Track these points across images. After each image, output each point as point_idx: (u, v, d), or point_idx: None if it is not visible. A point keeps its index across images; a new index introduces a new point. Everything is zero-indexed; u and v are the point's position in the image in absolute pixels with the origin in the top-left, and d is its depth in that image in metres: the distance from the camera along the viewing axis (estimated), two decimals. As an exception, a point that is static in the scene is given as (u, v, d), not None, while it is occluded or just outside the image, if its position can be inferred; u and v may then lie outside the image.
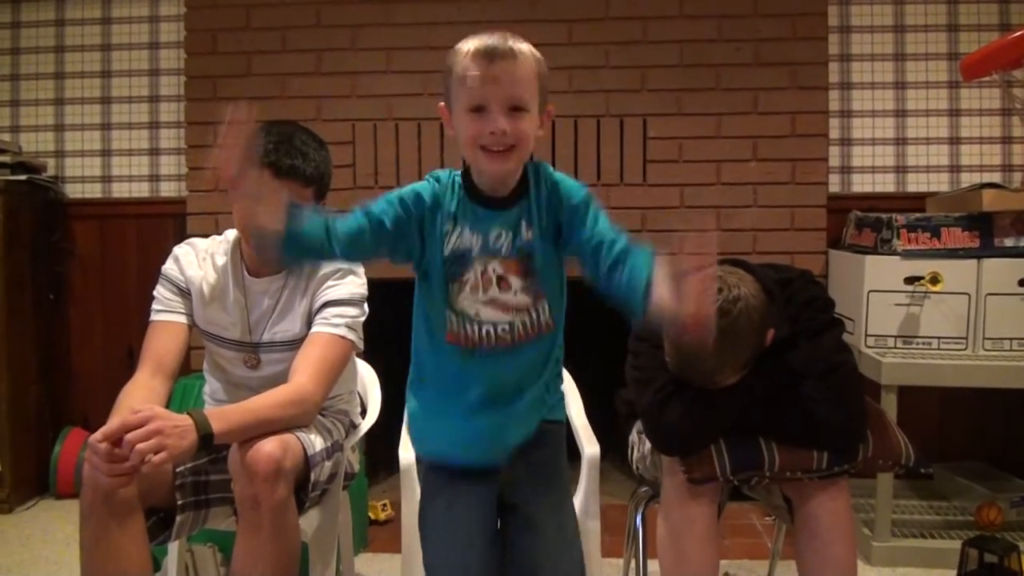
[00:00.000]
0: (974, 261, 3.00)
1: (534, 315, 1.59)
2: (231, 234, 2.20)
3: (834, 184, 3.64)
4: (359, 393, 2.47)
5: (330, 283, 2.11)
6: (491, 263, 1.57)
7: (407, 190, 1.58)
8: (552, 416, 1.75)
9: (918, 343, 3.03)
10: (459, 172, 1.62)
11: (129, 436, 1.70)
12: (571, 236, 1.57)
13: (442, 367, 1.65)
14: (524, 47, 1.51)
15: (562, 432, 1.79)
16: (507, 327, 1.58)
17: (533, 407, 1.69)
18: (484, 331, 1.58)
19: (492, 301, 1.57)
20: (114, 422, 1.75)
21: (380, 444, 3.19)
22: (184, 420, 1.77)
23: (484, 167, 1.54)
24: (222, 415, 1.86)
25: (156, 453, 1.69)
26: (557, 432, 1.76)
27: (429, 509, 1.72)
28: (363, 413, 2.47)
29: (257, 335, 2.14)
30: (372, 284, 2.19)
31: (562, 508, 1.72)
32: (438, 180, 1.60)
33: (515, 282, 1.56)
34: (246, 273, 2.16)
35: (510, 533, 1.69)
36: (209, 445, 1.80)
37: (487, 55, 1.47)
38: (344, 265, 2.03)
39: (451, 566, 1.62)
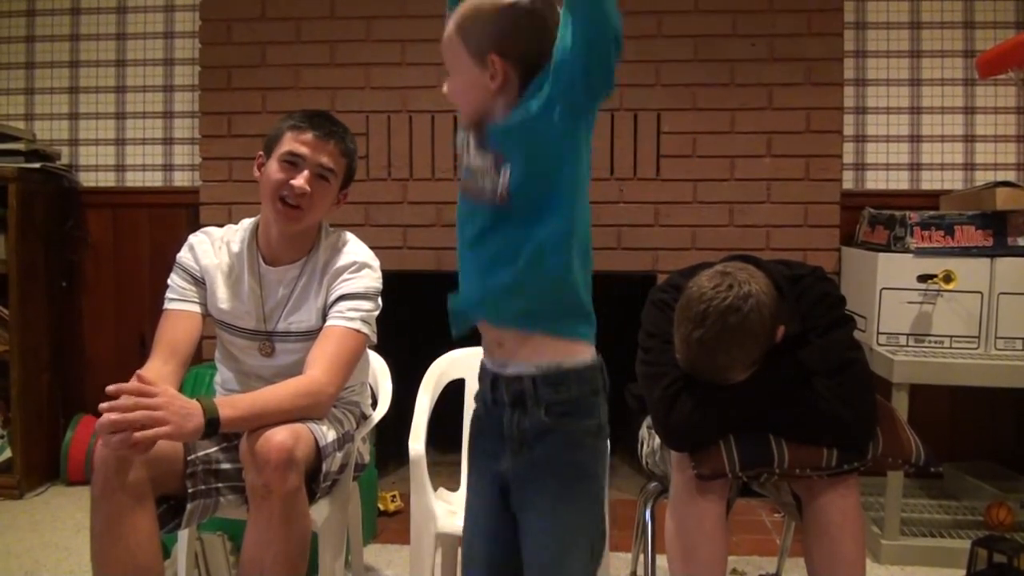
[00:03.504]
0: (987, 260, 2.98)
1: (495, 180, 1.49)
2: (247, 222, 2.21)
3: (848, 181, 3.63)
4: (370, 385, 2.48)
5: (345, 276, 2.12)
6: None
7: None
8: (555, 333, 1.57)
9: (930, 342, 3.02)
10: None
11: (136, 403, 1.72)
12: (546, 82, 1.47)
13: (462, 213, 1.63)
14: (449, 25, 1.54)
15: (579, 434, 1.58)
16: (478, 183, 1.54)
17: (508, 295, 1.54)
18: (477, 180, 1.56)
19: (468, 166, 1.57)
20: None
21: (390, 436, 3.20)
22: (191, 402, 1.78)
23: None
24: (231, 402, 1.88)
25: (159, 426, 1.70)
26: (572, 432, 1.57)
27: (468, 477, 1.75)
28: (374, 405, 2.48)
29: (272, 324, 2.15)
30: (386, 277, 2.20)
31: (552, 511, 1.56)
32: None
33: (472, 144, 1.55)
34: (261, 262, 2.16)
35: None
36: (215, 430, 1.80)
37: None
38: None
39: (466, 529, 1.72)
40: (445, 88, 1.58)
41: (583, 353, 1.57)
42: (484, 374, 1.66)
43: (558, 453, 1.57)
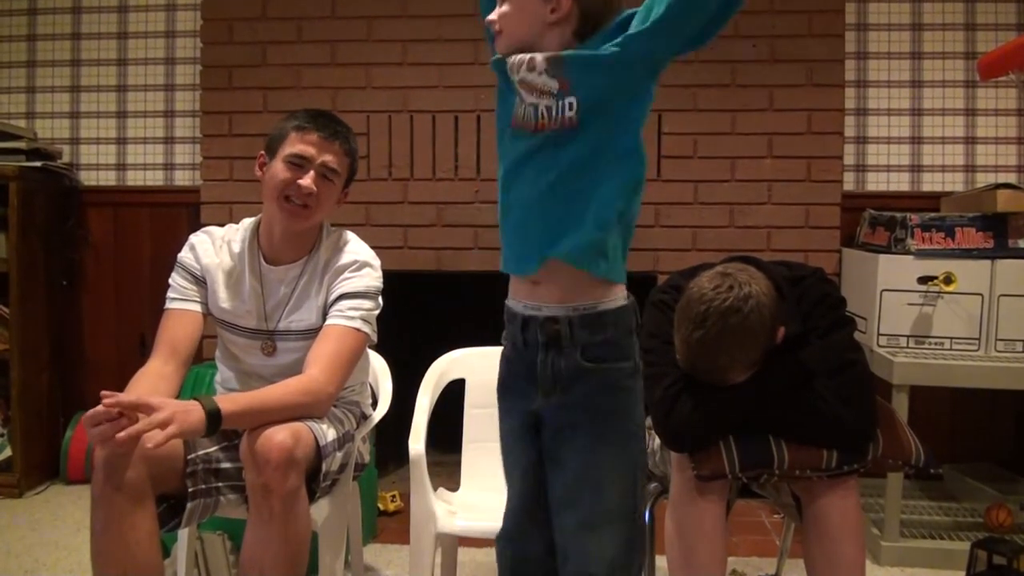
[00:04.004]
0: (988, 262, 2.99)
1: (559, 105, 1.52)
2: (248, 222, 2.21)
3: (848, 182, 3.63)
4: (370, 384, 2.48)
5: (346, 275, 2.12)
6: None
7: None
8: (601, 273, 1.58)
9: (930, 343, 3.02)
10: None
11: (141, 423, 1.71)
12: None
13: (505, 155, 1.66)
14: None
15: (615, 376, 1.61)
16: (533, 109, 1.56)
17: (561, 220, 1.55)
18: (524, 109, 1.58)
19: (522, 81, 1.57)
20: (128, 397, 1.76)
21: (390, 435, 3.19)
22: (188, 401, 1.78)
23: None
24: (231, 398, 1.88)
25: (164, 426, 1.69)
26: (609, 375, 1.60)
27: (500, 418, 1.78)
28: (374, 404, 2.48)
29: (273, 323, 2.15)
30: (386, 277, 2.20)
31: (591, 450, 1.59)
32: None
33: (540, 62, 1.53)
34: (263, 261, 2.16)
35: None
36: (218, 423, 1.80)
37: None
38: None
39: (506, 473, 1.78)
40: (494, 15, 1.61)
41: (619, 294, 1.60)
42: (512, 316, 1.66)
43: (596, 396, 1.59)
